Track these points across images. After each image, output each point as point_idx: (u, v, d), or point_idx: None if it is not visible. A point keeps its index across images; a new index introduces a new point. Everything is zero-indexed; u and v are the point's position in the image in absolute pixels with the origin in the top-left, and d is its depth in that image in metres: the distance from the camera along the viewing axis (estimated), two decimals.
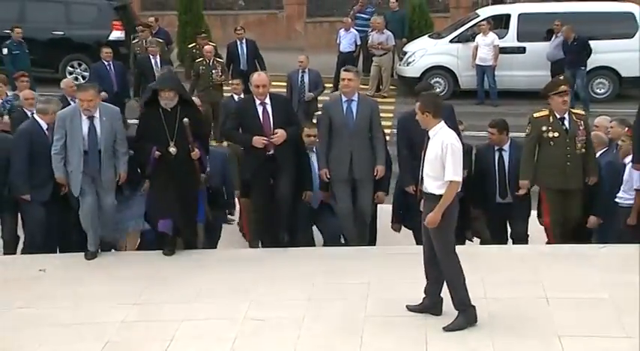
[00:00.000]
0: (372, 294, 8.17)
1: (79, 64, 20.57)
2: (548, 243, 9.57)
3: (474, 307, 7.31)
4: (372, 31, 20.80)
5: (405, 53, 20.80)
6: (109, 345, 7.38)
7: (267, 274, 8.76)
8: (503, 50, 19.98)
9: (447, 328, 7.24)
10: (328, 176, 9.27)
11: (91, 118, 8.75)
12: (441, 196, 7.11)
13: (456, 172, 7.09)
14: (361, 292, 8.17)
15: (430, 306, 7.54)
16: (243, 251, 10.15)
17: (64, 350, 7.38)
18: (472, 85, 19.73)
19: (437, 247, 7.23)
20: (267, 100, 9.07)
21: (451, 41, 20.74)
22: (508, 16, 20.90)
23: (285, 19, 26.19)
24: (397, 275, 8.49)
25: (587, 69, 19.10)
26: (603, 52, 19.00)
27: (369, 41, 20.74)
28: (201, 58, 16.67)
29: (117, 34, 20.66)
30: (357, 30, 21.22)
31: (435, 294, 7.49)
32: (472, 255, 8.51)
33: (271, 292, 8.29)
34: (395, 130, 11.54)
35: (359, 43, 21.02)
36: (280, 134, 8.88)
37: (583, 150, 9.27)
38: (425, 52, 20.60)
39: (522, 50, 20.17)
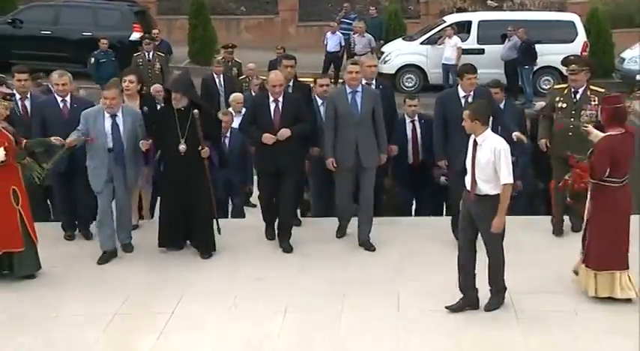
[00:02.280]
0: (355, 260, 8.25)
1: None
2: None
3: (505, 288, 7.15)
4: (354, 34, 20.92)
5: (383, 53, 20.84)
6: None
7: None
8: (466, 51, 19.93)
9: (488, 309, 7.05)
10: (335, 165, 8.42)
11: (113, 117, 7.98)
12: (494, 195, 6.80)
13: (510, 175, 6.78)
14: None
15: (468, 302, 7.12)
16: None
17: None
18: (439, 81, 19.72)
19: (492, 237, 6.91)
20: (281, 98, 8.26)
21: (421, 43, 20.83)
22: (470, 23, 21.01)
23: (280, 23, 26.02)
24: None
25: (536, 68, 19.27)
26: (549, 53, 18.99)
27: (351, 43, 20.92)
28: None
29: (137, 35, 20.52)
30: (341, 33, 21.35)
31: (472, 287, 7.11)
32: None
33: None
34: None
35: (343, 44, 21.14)
36: (283, 132, 8.14)
37: (591, 124, 7.94)
38: (399, 53, 20.73)
39: (482, 51, 20.24)
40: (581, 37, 20.05)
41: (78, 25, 20.71)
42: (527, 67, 19.31)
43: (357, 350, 6.60)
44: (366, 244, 8.53)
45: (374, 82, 9.25)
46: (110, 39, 20.29)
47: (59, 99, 8.57)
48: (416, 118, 9.58)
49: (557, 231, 8.79)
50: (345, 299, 7.38)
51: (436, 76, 20.11)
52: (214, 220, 8.41)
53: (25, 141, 7.72)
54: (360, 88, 8.41)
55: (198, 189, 8.19)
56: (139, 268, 8.14)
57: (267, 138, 8.16)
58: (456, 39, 19.97)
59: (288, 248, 8.48)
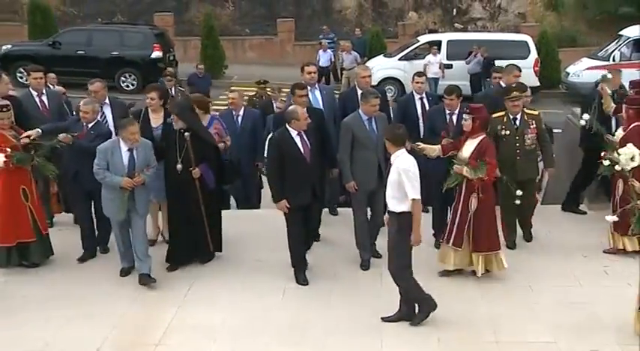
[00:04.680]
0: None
1: (129, 75, 20.65)
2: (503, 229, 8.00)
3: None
4: (342, 51, 21.09)
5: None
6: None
7: None
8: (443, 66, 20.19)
9: (412, 323, 6.42)
10: (356, 188, 7.52)
11: (130, 150, 7.10)
12: (399, 213, 6.22)
13: (415, 191, 6.15)
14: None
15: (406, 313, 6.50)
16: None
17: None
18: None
19: (394, 253, 6.38)
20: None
21: (399, 59, 20.98)
22: (440, 42, 21.14)
23: (279, 43, 26.09)
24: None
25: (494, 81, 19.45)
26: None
27: (339, 60, 21.13)
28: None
29: (157, 54, 20.85)
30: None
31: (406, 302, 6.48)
32: None
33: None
34: None
35: (333, 60, 21.45)
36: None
37: (533, 146, 7.94)
38: (381, 67, 20.72)
39: (450, 66, 20.40)
40: (533, 54, 20.26)
41: (107, 46, 20.86)
42: (488, 79, 19.30)
43: (344, 315, 6.65)
44: (373, 251, 7.83)
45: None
46: (135, 57, 20.69)
47: (83, 123, 7.76)
48: (424, 94, 8.91)
49: (511, 244, 8.16)
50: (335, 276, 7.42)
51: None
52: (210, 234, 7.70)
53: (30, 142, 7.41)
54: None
55: (194, 206, 7.51)
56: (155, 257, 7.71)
57: (281, 206, 7.13)
58: (440, 56, 20.15)
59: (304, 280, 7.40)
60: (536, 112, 8.07)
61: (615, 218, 6.83)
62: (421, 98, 8.92)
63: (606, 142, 7.84)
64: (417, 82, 8.99)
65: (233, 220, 8.57)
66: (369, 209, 7.84)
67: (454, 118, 7.97)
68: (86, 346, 6.22)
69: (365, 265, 7.67)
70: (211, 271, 7.69)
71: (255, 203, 9.78)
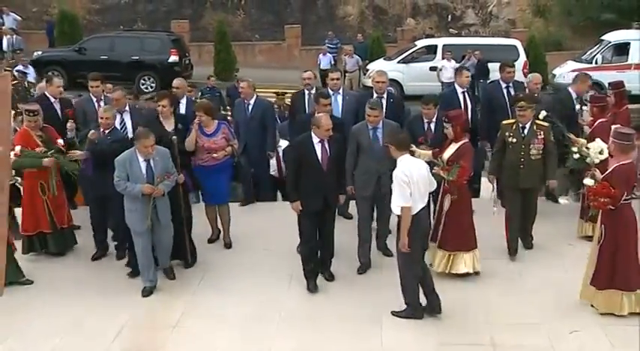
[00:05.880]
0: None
1: (149, 78, 20.57)
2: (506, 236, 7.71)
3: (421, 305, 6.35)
4: (345, 55, 20.96)
5: (368, 70, 20.75)
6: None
7: None
8: (434, 69, 20.02)
9: (396, 314, 6.33)
10: (353, 192, 7.29)
11: (147, 160, 6.74)
12: (399, 216, 6.02)
13: (401, 198, 5.93)
14: None
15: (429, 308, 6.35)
16: None
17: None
18: (412, 92, 19.09)
19: (399, 254, 6.20)
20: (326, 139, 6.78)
21: (398, 62, 20.85)
22: (436, 46, 21.02)
23: (286, 48, 25.99)
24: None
25: (489, 82, 19.09)
26: (497, 70, 19.03)
27: (342, 63, 20.98)
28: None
29: (174, 58, 20.80)
30: (329, 53, 21.65)
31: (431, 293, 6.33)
32: None
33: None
34: None
35: (333, 63, 21.30)
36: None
37: (539, 156, 7.43)
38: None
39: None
40: (522, 57, 20.05)
41: (128, 51, 20.81)
42: (482, 80, 19.27)
43: (347, 302, 6.67)
44: (383, 249, 7.63)
45: (384, 94, 8.35)
46: (153, 61, 20.67)
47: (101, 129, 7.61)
48: (466, 88, 8.83)
49: (513, 252, 7.72)
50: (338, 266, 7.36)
51: (410, 88, 19.83)
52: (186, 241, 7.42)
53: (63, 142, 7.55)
54: (380, 125, 7.18)
55: (176, 212, 7.17)
56: None
57: (295, 208, 6.80)
58: (454, 62, 19.35)
59: (330, 277, 7.15)
60: (545, 124, 7.57)
61: (566, 201, 6.93)
62: (464, 92, 8.85)
63: (567, 139, 7.86)
64: (462, 77, 8.77)
65: (245, 211, 8.58)
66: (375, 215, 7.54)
67: (432, 126, 7.76)
68: (111, 325, 6.31)
69: (361, 270, 7.32)
70: (222, 261, 7.67)
71: (269, 192, 9.55)
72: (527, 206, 7.64)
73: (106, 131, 7.54)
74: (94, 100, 8.74)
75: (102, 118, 7.55)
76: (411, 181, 5.96)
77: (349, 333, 6.17)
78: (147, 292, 6.92)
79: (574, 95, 8.87)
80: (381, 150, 6.83)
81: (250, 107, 9.11)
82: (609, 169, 6.27)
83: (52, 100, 8.54)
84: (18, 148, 7.28)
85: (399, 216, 6.04)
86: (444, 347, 5.94)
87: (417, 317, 6.27)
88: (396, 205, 5.95)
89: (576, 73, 9.50)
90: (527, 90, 8.82)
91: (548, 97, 9.40)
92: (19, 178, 7.40)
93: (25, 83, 12.58)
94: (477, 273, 7.12)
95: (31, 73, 15.58)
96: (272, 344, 6.03)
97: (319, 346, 6.01)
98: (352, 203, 8.17)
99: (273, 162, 9.31)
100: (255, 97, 9.15)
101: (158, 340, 6.14)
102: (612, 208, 6.12)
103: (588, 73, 9.97)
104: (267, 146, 9.11)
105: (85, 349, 6.00)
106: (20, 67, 15.49)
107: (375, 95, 7.45)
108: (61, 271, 7.50)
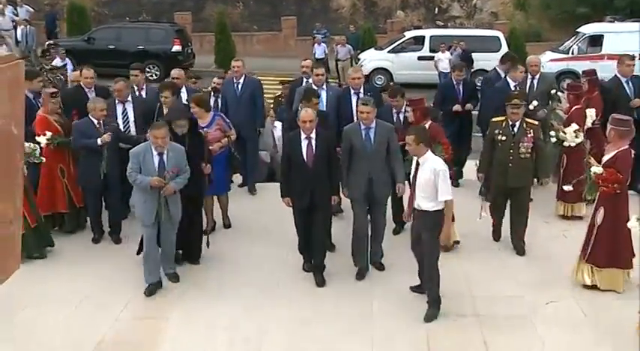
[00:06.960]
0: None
1: (153, 67, 20.28)
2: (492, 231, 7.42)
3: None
4: (336, 45, 20.81)
5: (359, 59, 20.79)
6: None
7: None
8: (421, 58, 19.99)
9: (426, 320, 5.83)
10: (346, 194, 6.69)
11: (160, 154, 6.26)
12: (433, 212, 5.65)
13: (448, 192, 5.62)
14: None
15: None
16: None
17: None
18: (401, 80, 18.93)
19: (429, 251, 5.81)
20: (313, 135, 6.33)
21: (388, 52, 20.75)
22: (424, 37, 20.99)
23: (283, 37, 25.89)
24: None
25: (472, 70, 18.94)
26: (481, 60, 19.01)
27: (334, 52, 20.84)
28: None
29: (177, 48, 20.67)
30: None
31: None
32: None
33: None
34: None
35: (327, 52, 21.18)
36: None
37: (527, 155, 6.89)
38: (372, 59, 20.62)
39: (432, 58, 19.95)
40: (504, 48, 19.86)
41: (134, 41, 20.68)
42: (468, 69, 19.24)
43: (340, 279, 6.61)
44: (377, 264, 6.85)
45: (361, 89, 7.90)
46: (158, 50, 20.53)
47: (95, 121, 7.25)
48: (461, 81, 9.10)
49: (497, 237, 7.44)
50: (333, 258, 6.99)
51: (400, 77, 19.69)
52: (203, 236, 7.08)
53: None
54: (373, 125, 6.52)
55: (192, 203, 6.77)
56: None
57: (286, 202, 6.46)
58: (448, 54, 19.23)
59: (321, 282, 6.53)
60: (535, 122, 7.11)
61: (571, 188, 6.99)
62: (458, 84, 9.10)
63: (551, 127, 7.91)
64: (458, 74, 9.11)
65: (241, 193, 8.45)
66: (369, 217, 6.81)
67: (401, 116, 7.41)
68: (119, 298, 6.32)
69: (360, 275, 6.68)
70: (218, 245, 7.30)
71: (260, 170, 9.23)
72: (518, 207, 7.06)
73: (100, 122, 7.23)
74: (136, 89, 8.33)
75: (94, 110, 7.16)
76: None
77: (340, 305, 6.13)
78: (149, 292, 6.39)
79: (511, 83, 8.72)
80: (374, 151, 6.46)
81: (240, 86, 8.77)
82: (610, 155, 6.10)
83: (87, 89, 8.16)
84: (49, 133, 7.20)
85: (420, 210, 5.73)
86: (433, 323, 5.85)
87: (437, 313, 5.91)
88: (444, 198, 5.62)
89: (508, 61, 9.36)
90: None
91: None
92: (43, 159, 7.26)
93: (62, 76, 11.38)
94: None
95: (70, 65, 14.91)
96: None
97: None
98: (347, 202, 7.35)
99: (265, 153, 9.22)
100: (244, 76, 8.82)
101: (165, 308, 6.17)
102: (619, 192, 6.03)
103: (516, 56, 10.06)
104: (257, 123, 8.85)
105: (97, 317, 6.02)
106: (58, 61, 14.92)
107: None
108: (75, 246, 7.44)
